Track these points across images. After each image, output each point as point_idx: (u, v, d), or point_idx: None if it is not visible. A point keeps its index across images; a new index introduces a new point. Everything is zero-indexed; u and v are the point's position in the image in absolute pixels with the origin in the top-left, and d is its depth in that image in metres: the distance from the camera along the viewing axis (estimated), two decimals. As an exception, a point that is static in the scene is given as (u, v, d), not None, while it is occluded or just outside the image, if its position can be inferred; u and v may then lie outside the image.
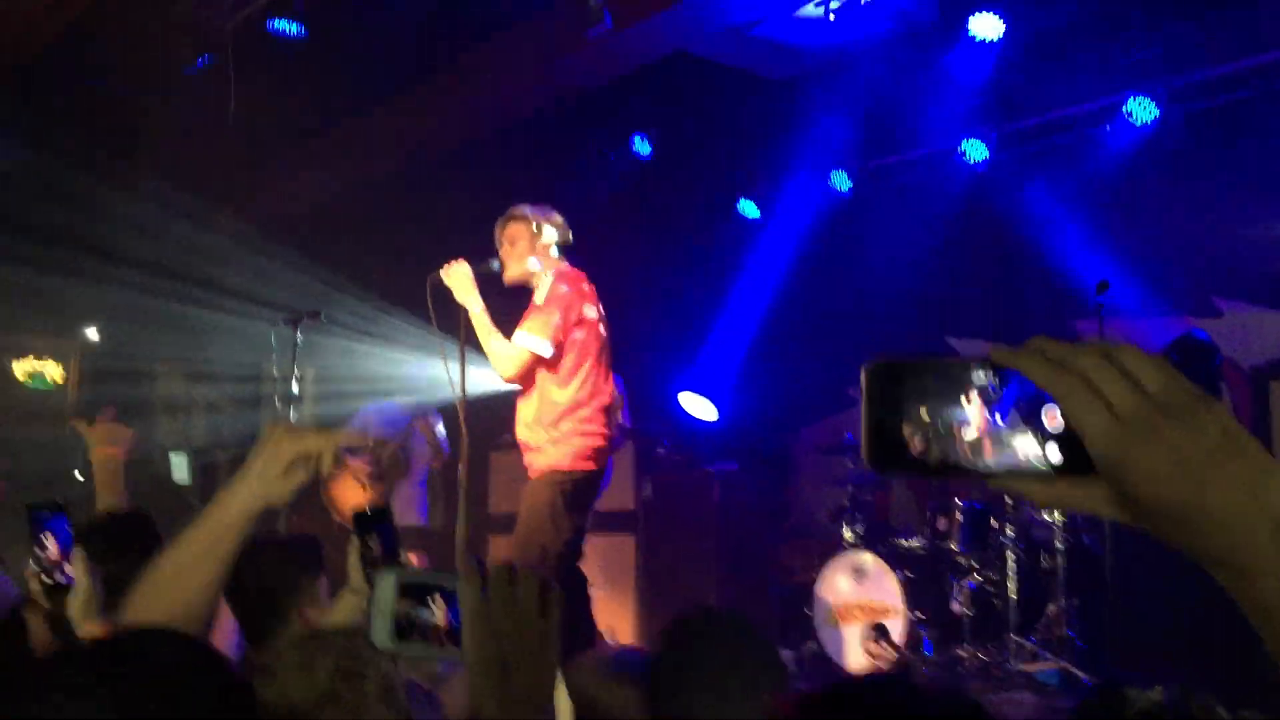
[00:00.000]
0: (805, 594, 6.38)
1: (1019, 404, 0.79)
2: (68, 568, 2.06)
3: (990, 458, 0.79)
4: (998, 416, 0.79)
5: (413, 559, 7.35)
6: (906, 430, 0.80)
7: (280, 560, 2.68)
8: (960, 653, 5.79)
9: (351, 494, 7.49)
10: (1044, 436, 0.78)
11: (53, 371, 8.52)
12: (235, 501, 1.62)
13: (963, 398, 0.79)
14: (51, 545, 2.05)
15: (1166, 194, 6.57)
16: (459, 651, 1.37)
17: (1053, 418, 0.78)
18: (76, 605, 2.03)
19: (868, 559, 6.14)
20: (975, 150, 7.15)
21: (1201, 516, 0.73)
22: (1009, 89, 6.92)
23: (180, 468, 8.43)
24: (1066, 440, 0.77)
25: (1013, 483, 0.80)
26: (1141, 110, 6.43)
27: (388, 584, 1.43)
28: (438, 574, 1.45)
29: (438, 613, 1.41)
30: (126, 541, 2.43)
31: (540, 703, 1.33)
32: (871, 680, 0.97)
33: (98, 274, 7.98)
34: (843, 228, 7.91)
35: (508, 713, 1.30)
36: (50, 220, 7.38)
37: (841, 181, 7.84)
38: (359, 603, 2.31)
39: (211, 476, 8.60)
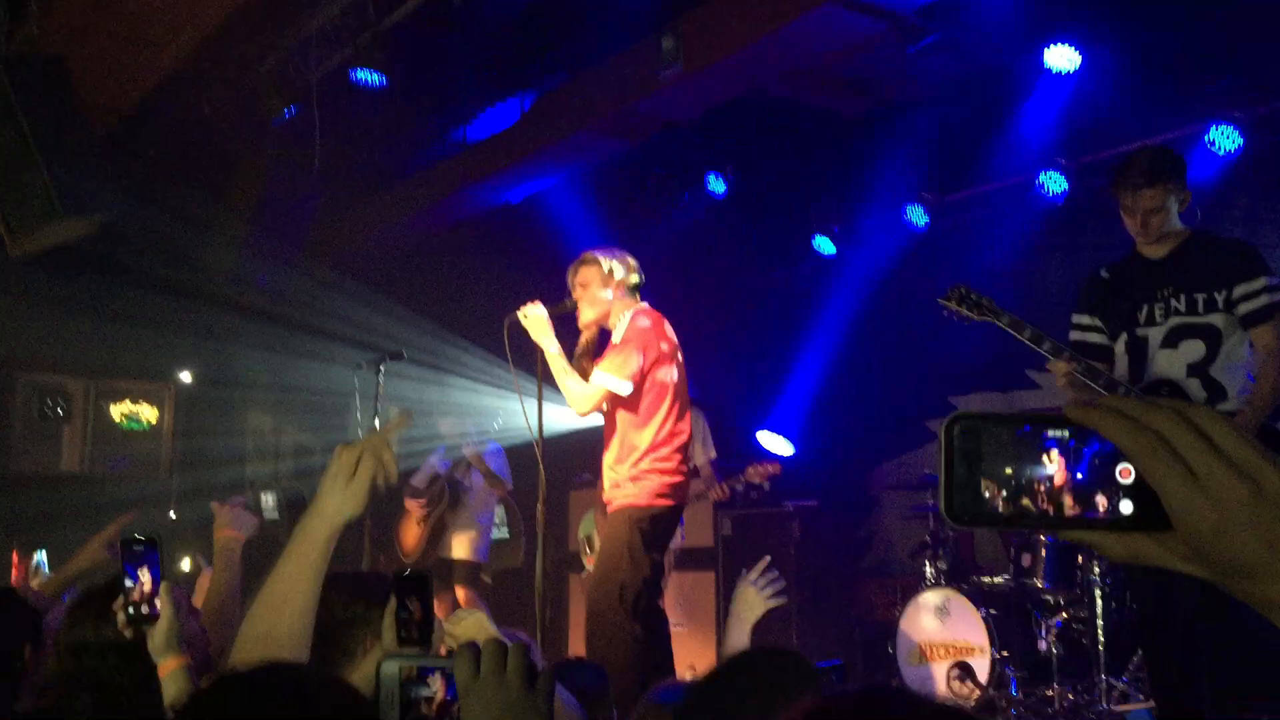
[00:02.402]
0: (888, 631, 6.32)
1: (1093, 459, 0.82)
2: (156, 601, 2.15)
3: (1067, 511, 0.82)
4: (1073, 471, 0.82)
5: (461, 593, 7.42)
6: (984, 483, 0.83)
7: (354, 593, 2.74)
8: (1048, 692, 5.68)
9: (411, 533, 7.66)
10: (1118, 490, 0.81)
11: (147, 414, 8.79)
12: (319, 521, 1.78)
13: (1039, 452, 0.83)
14: (145, 578, 2.15)
15: (1252, 223, 6.44)
16: None
17: (1126, 473, 0.81)
18: (159, 637, 2.13)
19: (951, 596, 6.06)
20: (1054, 183, 7.07)
21: (1271, 573, 0.76)
22: (1087, 120, 6.85)
23: (269, 504, 8.63)
24: (1139, 494, 0.80)
25: (1086, 534, 0.83)
26: (1224, 139, 6.32)
27: (391, 671, 1.52)
28: (434, 657, 1.55)
29: (437, 691, 1.50)
30: None
31: None
32: (866, 690, 1.00)
33: (191, 319, 8.26)
34: (920, 263, 7.86)
35: None
36: (145, 269, 7.66)
37: (918, 216, 7.80)
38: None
39: (299, 512, 8.79)
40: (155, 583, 2.14)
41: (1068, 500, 0.82)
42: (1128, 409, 0.80)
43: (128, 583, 2.16)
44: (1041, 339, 4.36)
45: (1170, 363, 4.16)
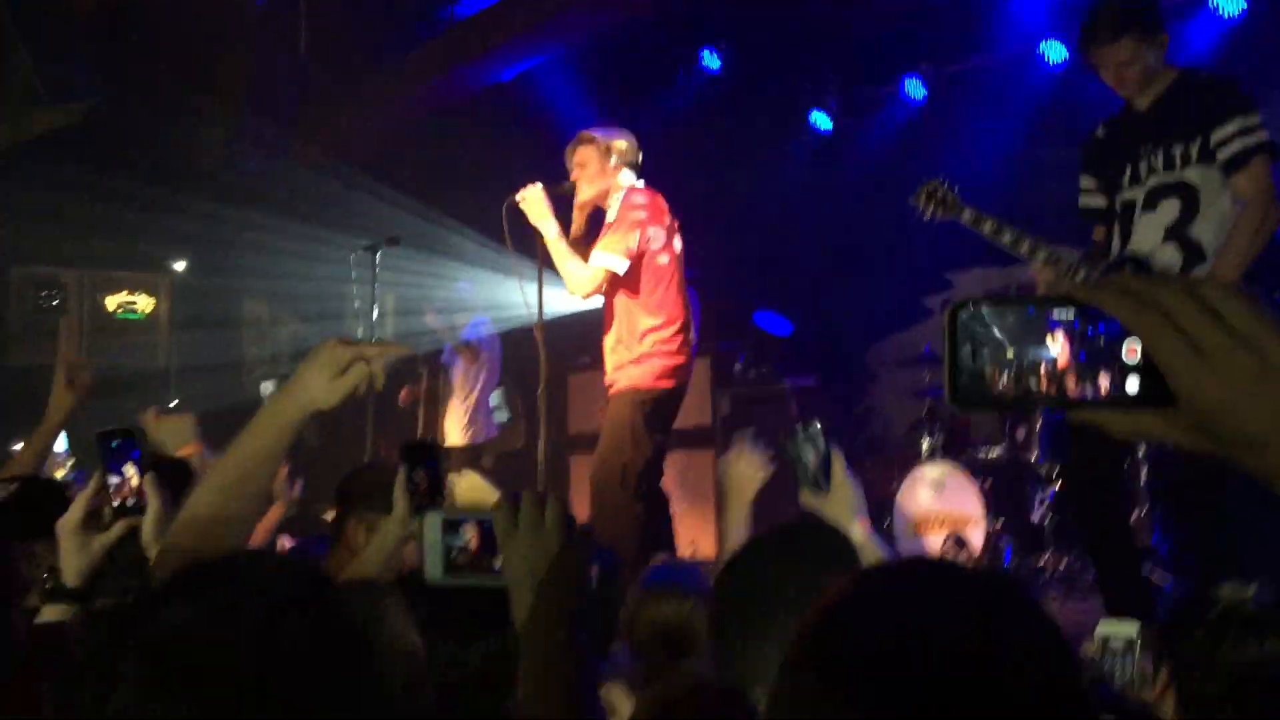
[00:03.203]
0: (885, 506, 6.41)
1: (1099, 338, 0.82)
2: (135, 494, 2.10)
3: (1071, 391, 0.82)
4: (1078, 351, 0.82)
5: (463, 477, 7.51)
6: (989, 367, 0.83)
7: (373, 480, 2.79)
8: (1041, 562, 5.80)
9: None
10: (1124, 369, 0.81)
11: (143, 304, 8.77)
12: (285, 406, 1.73)
13: (1043, 334, 0.83)
14: (130, 472, 2.11)
15: (1255, 88, 6.34)
16: (500, 577, 1.51)
17: (1132, 351, 0.81)
18: (149, 528, 2.06)
19: (947, 469, 6.14)
20: (1055, 51, 6.96)
21: (1277, 445, 0.76)
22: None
23: (270, 391, 8.67)
24: (1145, 372, 0.81)
25: (1093, 414, 0.83)
26: (1229, 2, 6.21)
27: (434, 523, 1.56)
28: (474, 508, 1.59)
29: (473, 542, 1.54)
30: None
31: (569, 614, 1.47)
32: (906, 561, 1.01)
33: (184, 207, 8.16)
34: (918, 137, 7.77)
35: (542, 624, 1.44)
36: (135, 157, 7.54)
37: (916, 89, 7.69)
38: (398, 530, 2.40)
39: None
40: (140, 475, 2.10)
41: (1071, 380, 0.82)
42: (1134, 286, 0.80)
43: (113, 480, 2.09)
44: (1001, 230, 4.06)
45: (1149, 226, 3.83)
